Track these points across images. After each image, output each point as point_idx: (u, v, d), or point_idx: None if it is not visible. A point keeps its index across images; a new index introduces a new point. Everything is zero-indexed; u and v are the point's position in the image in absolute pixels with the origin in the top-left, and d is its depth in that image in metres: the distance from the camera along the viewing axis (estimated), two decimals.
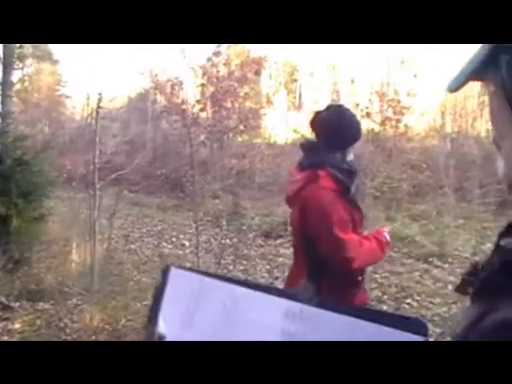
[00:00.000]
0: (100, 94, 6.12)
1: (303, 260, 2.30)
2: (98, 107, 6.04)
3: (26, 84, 20.82)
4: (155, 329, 1.22)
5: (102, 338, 4.34)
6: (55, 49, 21.72)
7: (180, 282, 1.26)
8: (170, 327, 1.21)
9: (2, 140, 6.16)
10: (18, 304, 5.03)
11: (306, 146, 2.43)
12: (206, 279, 1.23)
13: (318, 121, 2.43)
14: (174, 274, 1.27)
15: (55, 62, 24.44)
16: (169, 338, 1.21)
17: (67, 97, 23.67)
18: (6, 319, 4.73)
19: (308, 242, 2.24)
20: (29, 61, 20.92)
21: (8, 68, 7.22)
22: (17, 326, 4.63)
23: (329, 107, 2.52)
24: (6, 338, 4.40)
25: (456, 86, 0.71)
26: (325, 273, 2.18)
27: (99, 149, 6.32)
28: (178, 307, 1.23)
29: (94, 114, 6.41)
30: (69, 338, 4.39)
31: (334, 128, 2.34)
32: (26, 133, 8.88)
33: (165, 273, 1.28)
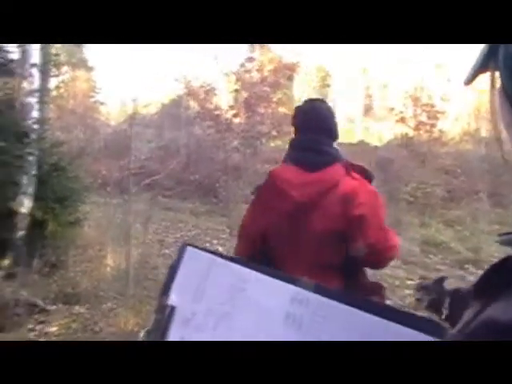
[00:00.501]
0: (135, 101, 6.21)
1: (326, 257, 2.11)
2: (134, 113, 6.12)
3: (62, 91, 21.22)
4: (167, 302, 1.32)
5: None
6: (90, 56, 22.15)
7: (194, 260, 1.33)
8: (181, 301, 1.29)
9: (39, 146, 6.28)
10: (54, 307, 5.11)
11: (307, 145, 2.18)
12: (219, 259, 1.29)
13: (314, 113, 2.23)
14: (189, 252, 1.36)
15: (90, 69, 24.94)
16: (179, 311, 1.29)
17: (101, 103, 24.10)
18: (43, 322, 4.80)
19: (342, 238, 2.06)
20: (64, 68, 21.33)
21: (45, 75, 7.37)
22: (53, 329, 4.70)
23: (313, 100, 2.39)
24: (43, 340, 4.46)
25: (468, 79, 0.74)
26: (356, 269, 2.14)
27: (134, 154, 6.39)
28: (190, 283, 1.30)
29: (129, 120, 6.49)
30: (107, 338, 4.44)
31: (332, 120, 2.24)
32: (62, 139, 9.04)
33: (181, 251, 1.37)
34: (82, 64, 24.11)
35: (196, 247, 1.39)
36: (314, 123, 2.19)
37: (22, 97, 6.40)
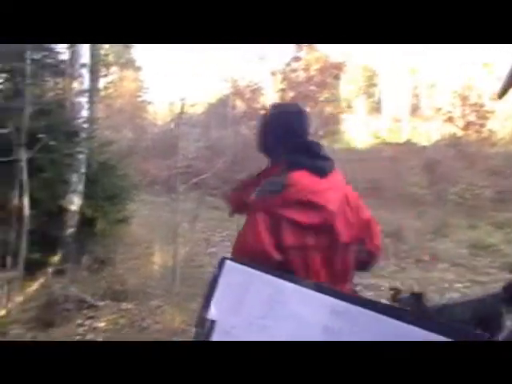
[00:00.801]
0: (183, 100, 6.25)
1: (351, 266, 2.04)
2: (181, 113, 6.16)
3: (110, 90, 21.63)
4: (207, 315, 1.35)
5: (182, 339, 4.40)
6: (137, 56, 22.51)
7: (232, 274, 1.39)
8: (221, 314, 1.33)
9: (89, 145, 6.40)
10: (102, 303, 5.19)
11: (314, 149, 2.02)
12: (257, 272, 1.32)
13: (306, 118, 2.12)
14: (228, 266, 1.41)
15: (137, 69, 25.37)
16: (218, 323, 1.32)
17: (149, 103, 24.49)
18: (92, 317, 4.89)
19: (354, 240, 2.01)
20: (113, 68, 21.75)
21: (94, 75, 7.53)
22: (101, 324, 4.78)
23: (291, 104, 2.32)
24: (91, 336, 4.55)
25: (500, 93, 0.71)
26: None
27: (181, 154, 6.45)
28: (229, 296, 1.34)
29: (176, 120, 6.55)
30: (150, 339, 4.48)
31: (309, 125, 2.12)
32: (111, 138, 9.21)
33: (220, 264, 1.42)
34: (130, 64, 24.55)
35: (234, 260, 1.44)
36: (306, 127, 2.09)
37: (73, 96, 6.54)
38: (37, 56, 5.98)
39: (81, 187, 6.29)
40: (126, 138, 15.32)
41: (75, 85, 6.53)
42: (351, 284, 2.06)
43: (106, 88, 19.88)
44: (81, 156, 6.22)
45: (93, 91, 7.34)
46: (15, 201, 4.89)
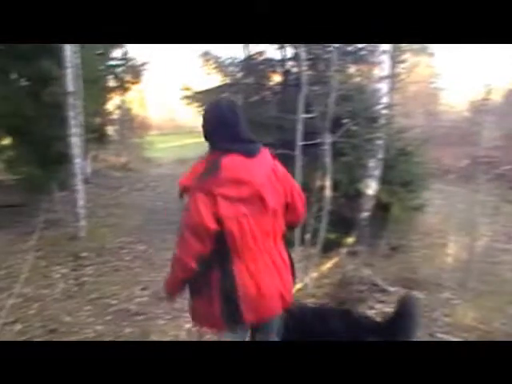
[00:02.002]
0: (488, 87, 5.80)
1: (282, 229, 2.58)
2: (486, 99, 5.73)
3: (403, 77, 21.40)
4: None
5: (472, 337, 4.13)
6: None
7: None
8: None
9: (387, 131, 6.41)
10: (393, 289, 5.17)
11: (243, 136, 2.47)
12: None
13: (237, 110, 2.54)
14: None
15: (430, 55, 24.58)
16: None
17: (441, 89, 23.59)
18: (383, 302, 4.91)
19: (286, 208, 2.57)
20: (407, 54, 21.47)
21: (394, 62, 7.50)
22: (391, 310, 4.76)
23: (225, 100, 2.83)
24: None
25: None
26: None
27: (479, 143, 6.03)
28: None
29: (474, 108, 6.15)
30: (439, 332, 4.30)
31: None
32: (405, 124, 9.10)
33: None
34: (423, 50, 23.94)
35: None
36: (234, 118, 2.48)
37: (373, 83, 6.63)
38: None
39: (378, 172, 6.37)
40: (419, 125, 14.99)
41: (376, 71, 6.60)
42: (283, 242, 2.61)
43: (399, 74, 19.78)
44: (379, 142, 6.28)
45: (392, 77, 7.32)
46: (317, 182, 5.16)
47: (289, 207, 2.56)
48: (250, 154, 2.41)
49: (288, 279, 2.59)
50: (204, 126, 2.58)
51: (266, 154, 2.52)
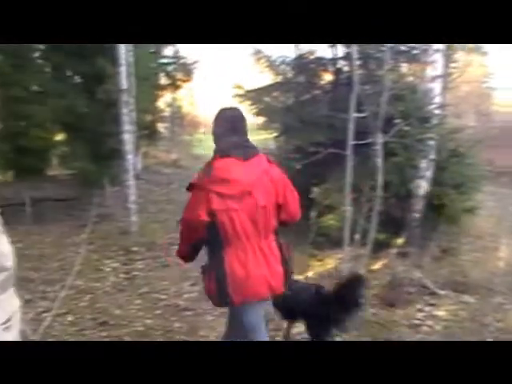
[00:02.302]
0: None
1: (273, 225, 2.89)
2: None
3: (455, 76, 20.96)
4: None
5: None
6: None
7: None
8: None
9: (440, 131, 6.31)
10: (443, 292, 5.10)
11: (238, 143, 2.85)
12: None
13: (240, 118, 2.97)
14: None
15: (483, 54, 23.96)
16: None
17: (494, 89, 22.99)
18: (432, 305, 4.84)
19: (279, 207, 2.89)
20: (459, 54, 20.98)
21: (447, 61, 7.35)
22: (441, 313, 4.70)
23: (230, 108, 3.08)
24: (430, 323, 4.51)
25: None
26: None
27: None
28: None
29: None
30: (491, 337, 4.21)
31: (246, 123, 3.00)
32: (457, 125, 8.91)
33: None
34: (476, 49, 23.35)
35: None
36: (236, 125, 2.91)
37: (426, 82, 6.53)
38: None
39: (429, 173, 6.28)
40: (472, 126, 14.67)
41: (428, 70, 6.50)
42: (275, 236, 2.92)
43: (451, 74, 19.35)
44: (431, 142, 6.18)
45: (445, 77, 7.18)
46: (368, 182, 5.14)
47: (282, 207, 2.90)
48: (244, 158, 2.79)
49: (277, 270, 2.87)
50: (213, 133, 2.99)
51: (261, 158, 2.89)
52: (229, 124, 2.92)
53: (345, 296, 3.51)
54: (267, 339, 3.08)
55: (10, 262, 1.58)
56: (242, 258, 2.78)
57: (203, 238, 2.85)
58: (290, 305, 3.55)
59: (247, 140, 2.93)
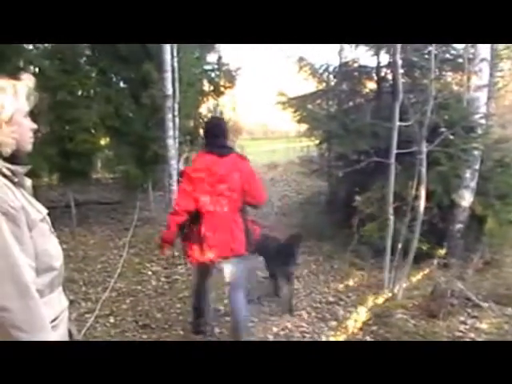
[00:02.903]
0: None
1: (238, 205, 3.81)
2: None
3: (500, 86, 20.54)
4: None
5: None
6: None
7: None
8: None
9: (484, 141, 6.22)
10: (486, 304, 5.00)
11: (217, 144, 3.87)
12: None
13: (222, 126, 4.06)
14: None
15: None
16: None
17: None
18: (475, 317, 4.75)
19: (245, 193, 3.80)
20: (503, 63, 20.53)
21: (493, 70, 7.25)
22: (484, 326, 4.61)
23: (215, 117, 5.59)
24: (472, 335, 4.42)
25: None
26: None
27: None
28: None
29: None
30: None
31: (227, 128, 4.09)
32: (503, 135, 8.74)
33: None
34: None
35: None
36: (218, 131, 3.93)
37: (471, 91, 6.44)
38: (436, 51, 6.08)
39: (473, 183, 6.19)
40: None
41: (474, 80, 6.41)
42: (241, 213, 3.85)
43: (497, 83, 18.94)
44: (476, 152, 6.10)
45: (490, 86, 7.08)
46: (411, 191, 5.09)
47: (247, 193, 3.81)
48: (220, 155, 3.80)
49: (238, 237, 3.81)
50: (203, 135, 4.38)
51: (233, 156, 3.87)
52: (213, 129, 3.98)
53: (289, 247, 5.02)
54: (242, 291, 4.02)
55: (58, 262, 1.65)
56: (213, 228, 3.75)
57: (187, 219, 3.79)
58: (263, 252, 5.17)
59: (225, 142, 4.01)
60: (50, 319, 1.57)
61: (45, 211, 1.65)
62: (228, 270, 3.92)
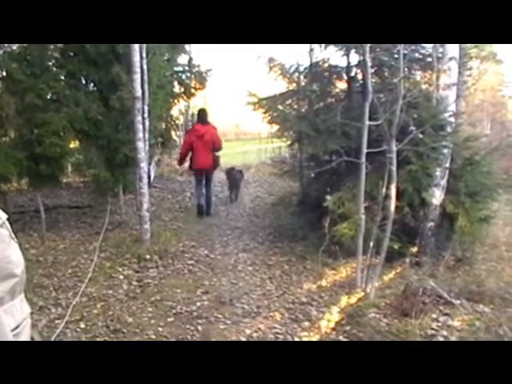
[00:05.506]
0: None
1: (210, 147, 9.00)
2: None
3: (469, 84, 20.90)
4: None
5: None
6: (499, 49, 21.11)
7: None
8: None
9: (454, 139, 6.27)
10: (458, 302, 5.02)
11: (204, 121, 9.11)
12: None
13: (205, 112, 9.46)
14: None
15: (498, 62, 23.83)
16: None
17: (510, 97, 22.86)
18: (447, 315, 4.77)
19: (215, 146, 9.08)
20: (473, 62, 20.91)
21: (461, 69, 7.33)
22: (456, 323, 4.62)
23: (202, 108, 10.13)
24: (444, 333, 4.44)
25: None
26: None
27: None
28: None
29: None
30: None
31: (207, 114, 9.47)
32: (471, 133, 8.87)
33: None
34: (491, 57, 23.23)
35: None
36: (202, 116, 9.29)
37: (440, 90, 6.49)
38: (405, 50, 6.12)
39: (443, 182, 6.24)
40: (486, 134, 14.57)
41: (443, 78, 6.46)
42: (212, 152, 9.07)
43: (465, 82, 19.27)
44: (446, 150, 6.15)
45: (459, 85, 7.15)
46: (382, 190, 5.09)
47: (214, 142, 8.98)
48: (203, 124, 8.99)
49: (210, 162, 8.97)
50: (197, 115, 9.79)
51: (210, 126, 9.07)
52: (201, 113, 9.36)
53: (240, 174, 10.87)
54: (211, 186, 9.41)
55: (19, 269, 1.58)
56: (198, 156, 8.87)
57: (188, 150, 9.04)
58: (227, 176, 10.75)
59: (207, 120, 9.15)
60: (11, 327, 1.50)
61: (4, 216, 1.58)
62: (204, 176, 9.09)
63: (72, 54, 7.71)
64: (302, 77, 7.91)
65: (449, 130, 6.31)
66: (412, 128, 5.68)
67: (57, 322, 4.69)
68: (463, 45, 7.17)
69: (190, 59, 11.72)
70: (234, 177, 10.55)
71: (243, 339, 4.36)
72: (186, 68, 11.62)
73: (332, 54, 8.16)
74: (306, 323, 4.72)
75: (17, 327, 1.55)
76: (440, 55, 6.56)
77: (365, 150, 4.97)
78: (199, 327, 4.63)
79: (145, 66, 7.26)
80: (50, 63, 7.80)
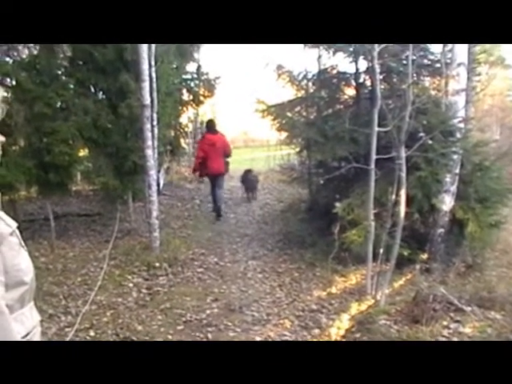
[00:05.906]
0: None
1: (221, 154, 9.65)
2: None
3: (478, 90, 20.83)
4: None
5: None
6: (508, 54, 21.00)
7: None
8: None
9: (464, 145, 6.25)
10: (469, 308, 4.99)
11: (213, 131, 9.81)
12: None
13: (213, 122, 10.36)
14: None
15: (507, 67, 23.72)
16: None
17: None
18: (458, 321, 4.74)
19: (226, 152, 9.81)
20: (482, 67, 20.81)
21: (470, 74, 7.30)
22: (467, 330, 4.59)
23: (210, 119, 11.05)
24: (455, 340, 4.40)
25: None
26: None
27: None
28: None
29: None
30: None
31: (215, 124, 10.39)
32: (480, 138, 8.83)
33: None
34: (500, 62, 23.14)
35: None
36: (211, 125, 10.01)
37: (449, 96, 6.47)
38: (414, 56, 6.10)
39: (453, 187, 6.21)
40: (495, 139, 14.49)
41: (451, 84, 6.45)
42: (224, 158, 9.76)
43: (473, 87, 19.19)
44: (455, 156, 6.12)
45: (468, 90, 7.13)
46: (392, 197, 5.07)
47: (225, 149, 9.70)
48: (213, 134, 9.66)
49: (222, 167, 9.61)
50: (205, 126, 10.59)
51: (221, 135, 9.90)
52: (210, 123, 10.12)
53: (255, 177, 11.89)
54: (222, 189, 10.25)
55: (28, 276, 1.59)
56: (212, 162, 9.39)
57: (204, 158, 9.47)
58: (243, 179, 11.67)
59: (216, 129, 9.88)
60: (21, 335, 1.51)
61: (14, 225, 1.59)
62: (217, 179, 9.67)
63: (81, 62, 7.76)
64: (310, 84, 7.93)
65: (458, 135, 6.29)
66: (421, 134, 5.65)
67: (66, 330, 4.68)
68: (471, 50, 7.16)
69: (199, 67, 11.78)
70: (251, 178, 11.65)
71: None
72: (195, 76, 11.69)
73: (340, 61, 8.18)
74: (316, 330, 4.70)
75: (27, 335, 1.55)
76: (448, 61, 6.54)
77: (374, 157, 4.97)
78: (209, 335, 4.62)
79: (153, 74, 7.30)
80: (59, 72, 7.85)
